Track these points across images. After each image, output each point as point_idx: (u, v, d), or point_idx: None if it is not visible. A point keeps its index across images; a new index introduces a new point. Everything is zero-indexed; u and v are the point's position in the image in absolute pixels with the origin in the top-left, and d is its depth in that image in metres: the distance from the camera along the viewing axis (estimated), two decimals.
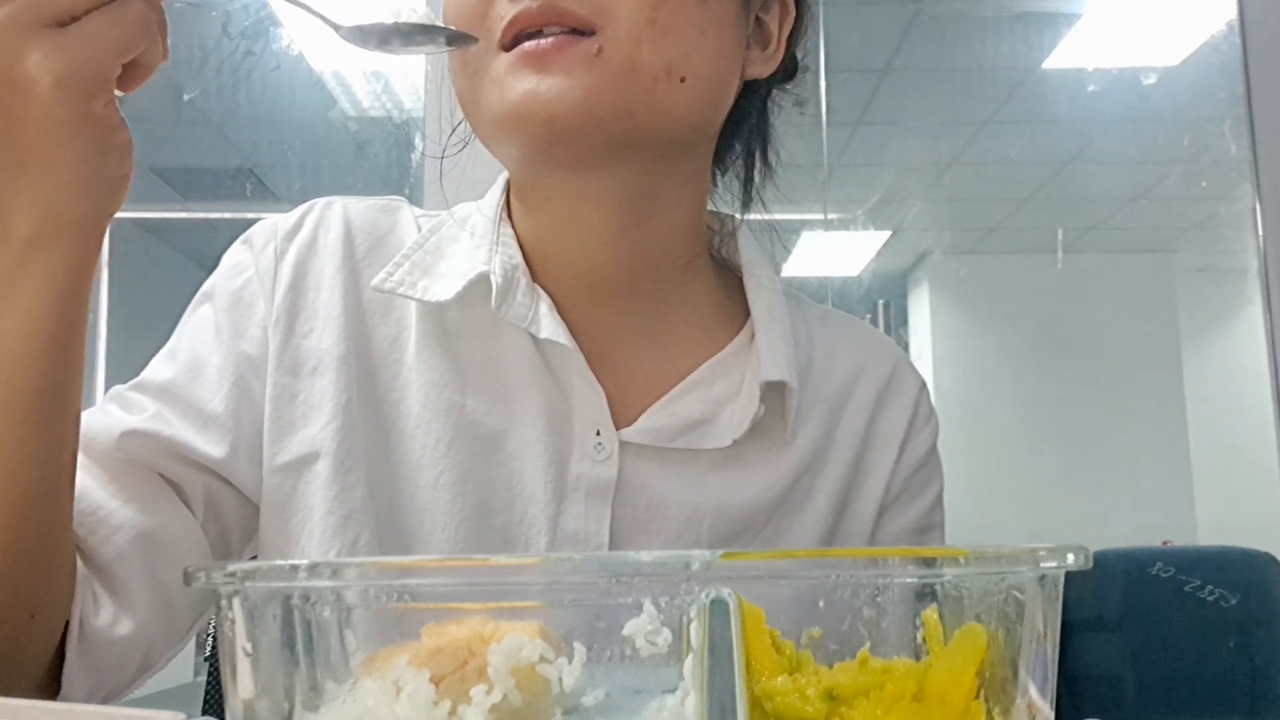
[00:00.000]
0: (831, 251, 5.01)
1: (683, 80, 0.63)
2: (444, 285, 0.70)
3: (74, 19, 0.50)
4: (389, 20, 0.60)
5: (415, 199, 0.80)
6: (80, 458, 0.64)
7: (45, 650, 0.61)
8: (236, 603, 0.38)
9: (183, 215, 5.10)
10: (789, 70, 0.77)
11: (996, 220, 5.21)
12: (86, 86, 0.51)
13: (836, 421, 0.77)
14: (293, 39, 3.35)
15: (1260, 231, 1.90)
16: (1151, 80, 3.99)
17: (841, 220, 4.68)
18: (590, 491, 0.69)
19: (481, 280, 0.69)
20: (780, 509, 0.73)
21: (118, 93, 0.54)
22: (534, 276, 0.72)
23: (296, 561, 0.38)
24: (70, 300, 0.55)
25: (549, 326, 0.69)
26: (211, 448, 0.67)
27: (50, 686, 0.61)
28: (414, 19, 0.61)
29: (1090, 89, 4.12)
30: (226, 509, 0.69)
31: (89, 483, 0.64)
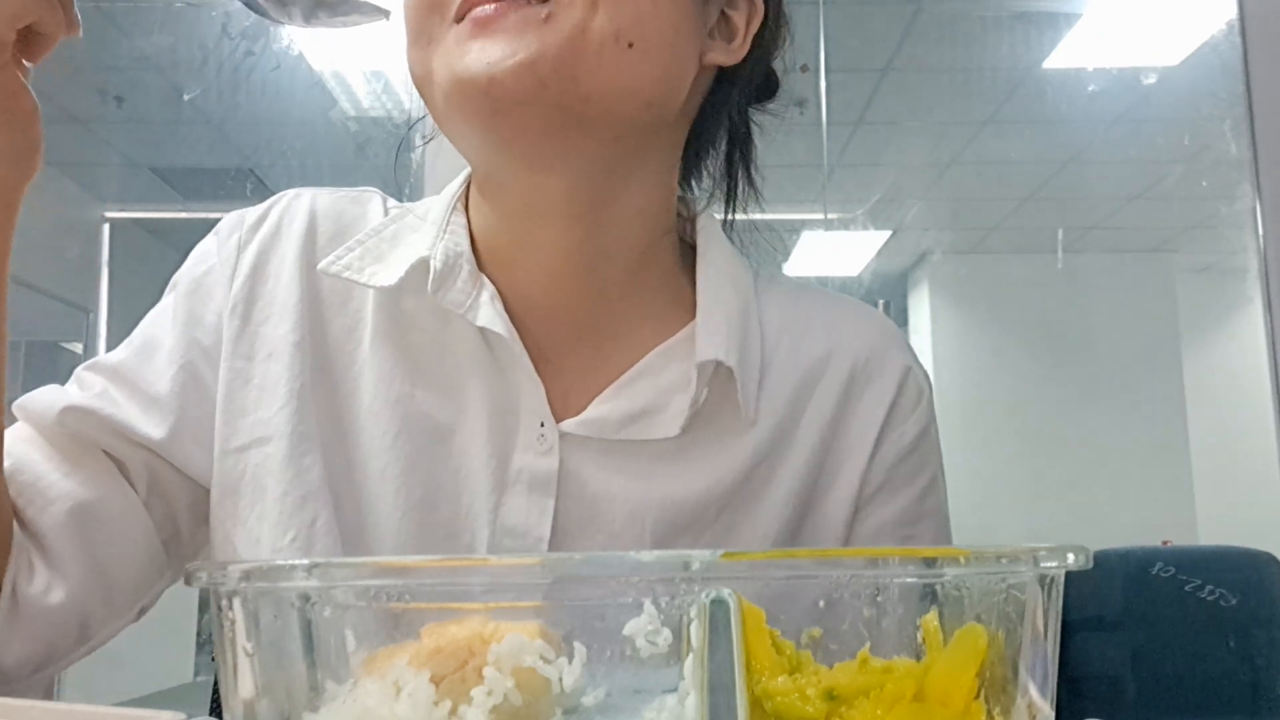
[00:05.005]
0: (831, 251, 5.02)
1: (630, 46, 0.63)
2: (391, 271, 0.70)
3: None
4: None
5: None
6: (27, 431, 0.66)
7: None
8: (236, 603, 0.38)
9: (183, 215, 5.10)
10: (768, 87, 0.77)
11: (996, 220, 5.22)
12: None
13: (803, 406, 0.72)
14: (293, 39, 3.35)
15: (1260, 231, 1.90)
16: (1151, 80, 3.99)
17: (841, 220, 4.69)
18: (532, 484, 0.68)
19: (423, 265, 0.69)
20: (733, 502, 0.70)
21: (26, 63, 0.55)
22: (484, 267, 0.71)
23: (296, 561, 0.38)
24: None
25: (486, 315, 0.68)
26: (152, 429, 0.67)
27: None
28: None
29: (1090, 89, 4.13)
30: (170, 489, 0.69)
31: (33, 455, 0.66)
